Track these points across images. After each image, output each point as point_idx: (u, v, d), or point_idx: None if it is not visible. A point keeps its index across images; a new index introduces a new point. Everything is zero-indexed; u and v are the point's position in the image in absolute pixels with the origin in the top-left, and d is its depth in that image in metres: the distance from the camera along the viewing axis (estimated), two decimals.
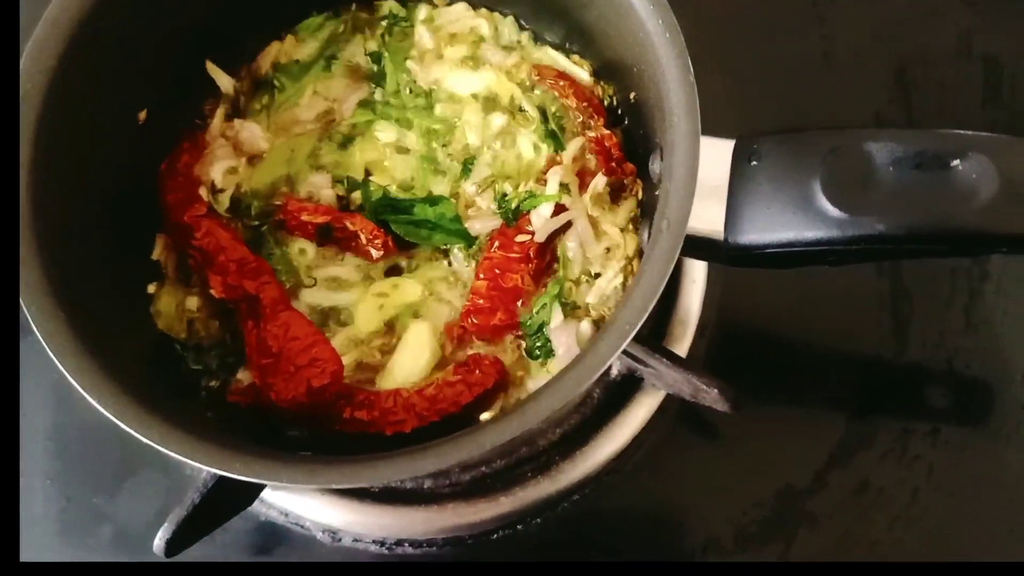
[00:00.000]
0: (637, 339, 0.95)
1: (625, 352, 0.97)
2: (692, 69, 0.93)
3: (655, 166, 1.02)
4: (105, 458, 1.28)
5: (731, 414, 1.06)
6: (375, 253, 1.11)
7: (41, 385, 1.30)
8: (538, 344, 1.09)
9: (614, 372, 1.26)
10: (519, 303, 1.10)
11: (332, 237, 1.12)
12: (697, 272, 1.30)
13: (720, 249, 0.95)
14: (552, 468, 1.23)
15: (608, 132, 1.14)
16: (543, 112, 1.17)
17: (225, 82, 1.19)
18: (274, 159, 1.17)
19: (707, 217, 0.94)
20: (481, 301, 1.09)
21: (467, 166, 1.16)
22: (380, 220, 1.12)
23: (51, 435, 1.29)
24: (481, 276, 1.10)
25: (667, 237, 0.89)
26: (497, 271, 1.10)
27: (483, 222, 1.14)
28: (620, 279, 1.11)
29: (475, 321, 1.09)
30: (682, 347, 1.27)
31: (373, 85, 1.20)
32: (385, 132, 1.17)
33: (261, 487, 1.08)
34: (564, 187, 1.12)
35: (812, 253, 0.94)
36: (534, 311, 1.09)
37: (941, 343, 1.30)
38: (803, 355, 1.32)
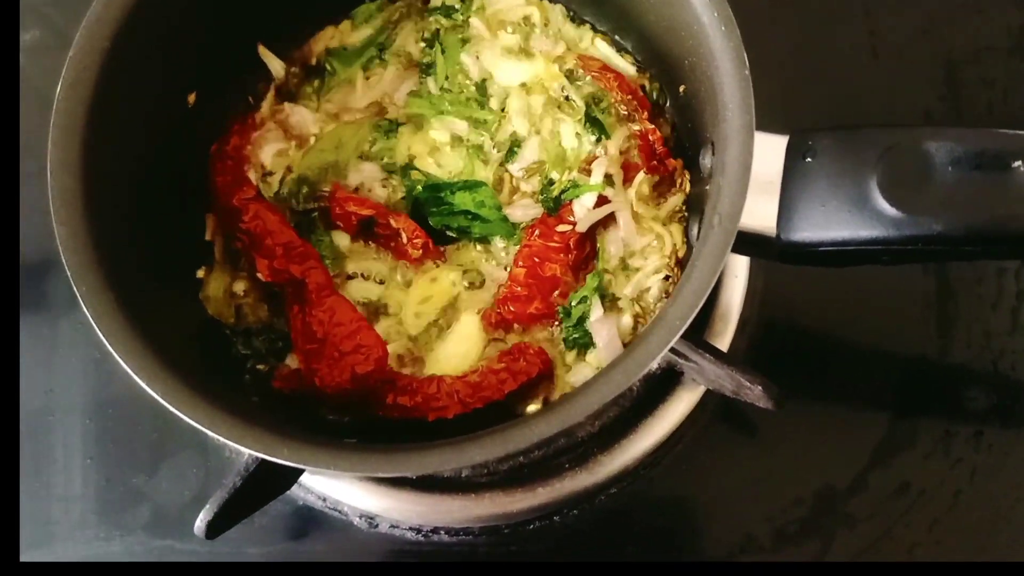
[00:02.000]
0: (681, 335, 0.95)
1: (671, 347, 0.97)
2: (747, 63, 0.92)
3: (706, 160, 1.01)
4: (144, 439, 1.28)
5: (772, 411, 1.04)
6: (414, 253, 1.11)
7: (82, 364, 1.31)
8: (576, 336, 1.09)
9: (654, 366, 1.24)
10: (556, 293, 1.09)
11: (373, 232, 1.12)
12: (739, 267, 1.28)
13: (772, 246, 0.94)
14: (590, 460, 1.22)
15: (652, 126, 1.14)
16: (588, 103, 1.16)
17: (276, 66, 1.19)
18: (324, 145, 1.17)
19: (759, 213, 0.93)
20: (519, 289, 1.09)
21: (512, 149, 1.16)
22: (419, 216, 1.13)
23: (91, 414, 1.30)
24: (520, 264, 1.10)
25: (718, 233, 0.88)
26: (536, 260, 1.09)
27: (524, 210, 1.13)
28: (661, 274, 1.10)
29: (512, 309, 1.09)
30: (723, 342, 1.26)
31: (423, 75, 1.20)
32: (440, 132, 1.17)
33: (301, 472, 1.08)
34: (608, 179, 1.12)
35: (867, 252, 0.93)
36: (573, 303, 1.09)
37: (986, 345, 1.28)
38: (845, 353, 1.31)
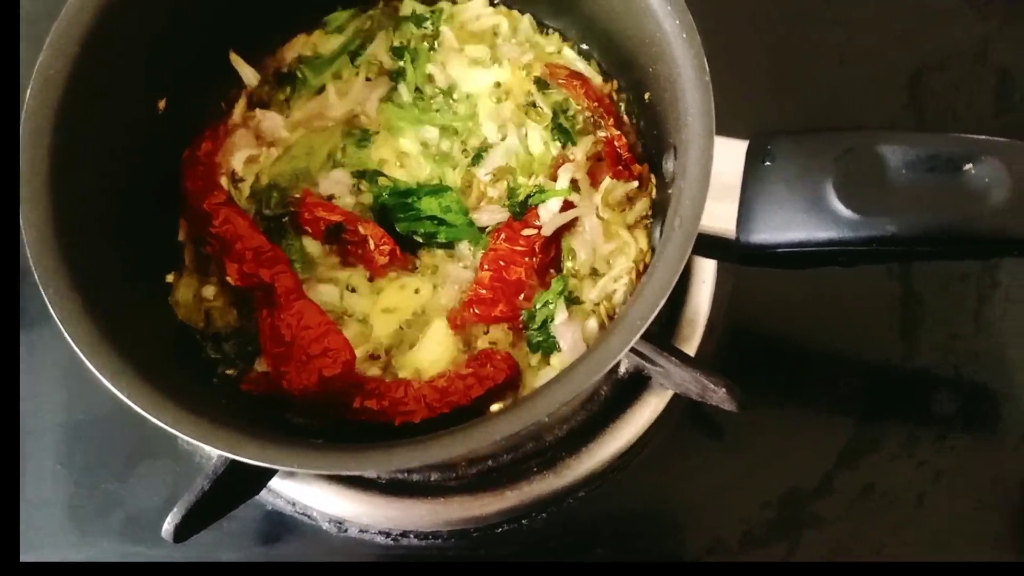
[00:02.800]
0: (646, 337, 0.96)
1: (634, 349, 0.99)
2: (708, 70, 0.93)
3: (668, 165, 1.03)
4: (115, 445, 1.28)
5: (738, 414, 1.06)
6: (381, 260, 1.11)
7: (54, 371, 1.32)
8: (540, 339, 1.10)
9: (622, 370, 1.27)
10: (521, 296, 1.11)
11: (340, 239, 1.13)
12: (707, 272, 1.30)
13: (732, 248, 0.96)
14: (558, 464, 1.23)
15: (618, 133, 1.15)
16: (555, 111, 1.18)
17: (248, 73, 1.20)
18: (295, 152, 1.18)
19: (719, 216, 0.95)
20: (484, 292, 1.10)
21: (479, 154, 1.17)
22: (387, 221, 1.14)
23: (62, 421, 1.30)
24: (485, 267, 1.11)
25: (679, 235, 0.89)
26: (501, 263, 1.11)
27: (491, 214, 1.15)
28: (627, 277, 1.12)
29: (476, 312, 1.10)
30: (691, 347, 1.28)
31: (393, 82, 1.21)
32: (410, 140, 1.19)
33: (270, 475, 1.12)
34: (574, 184, 1.13)
35: (824, 253, 0.94)
36: (537, 306, 1.10)
37: (951, 348, 1.30)
38: (812, 357, 1.32)
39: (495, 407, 1.05)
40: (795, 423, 1.29)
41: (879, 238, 0.91)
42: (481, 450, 0.87)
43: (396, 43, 1.23)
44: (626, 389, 1.26)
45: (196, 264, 1.14)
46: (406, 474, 1.23)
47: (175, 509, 0.99)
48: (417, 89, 1.20)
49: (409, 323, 1.12)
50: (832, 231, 0.92)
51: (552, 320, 1.09)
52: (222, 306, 1.12)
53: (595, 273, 1.13)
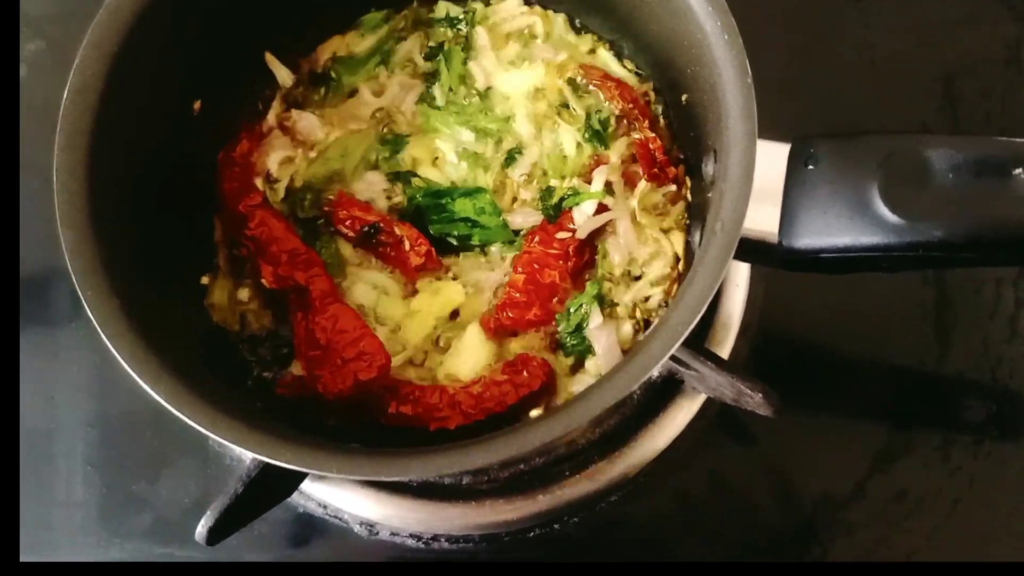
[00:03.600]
0: (683, 341, 0.95)
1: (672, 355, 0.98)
2: (750, 71, 0.92)
3: (708, 168, 1.02)
4: (145, 446, 1.28)
5: (771, 419, 1.04)
6: (416, 261, 1.11)
7: (84, 372, 1.31)
8: (574, 343, 1.10)
9: (656, 372, 1.25)
10: (555, 299, 1.10)
11: (375, 241, 1.13)
12: (740, 276, 1.29)
13: (774, 253, 0.95)
14: (590, 467, 1.22)
15: (652, 135, 1.15)
16: (588, 113, 1.17)
17: (284, 74, 1.20)
18: (330, 153, 1.17)
19: (762, 220, 0.93)
20: (517, 295, 1.10)
21: (512, 155, 1.16)
22: (421, 223, 1.13)
23: (92, 421, 1.30)
24: (519, 270, 1.11)
25: (721, 239, 0.89)
26: (535, 266, 1.10)
27: (524, 216, 1.14)
28: (663, 285, 1.12)
29: (510, 315, 1.09)
30: (724, 350, 1.27)
31: (428, 84, 1.21)
32: (445, 143, 1.18)
33: (302, 478, 1.09)
34: (608, 187, 1.13)
35: (868, 259, 0.93)
36: (571, 309, 1.10)
37: (985, 353, 1.29)
38: (845, 361, 1.31)
39: (534, 413, 1.05)
40: (828, 428, 1.28)
41: (925, 243, 0.89)
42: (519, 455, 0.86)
43: (430, 44, 1.22)
44: (659, 393, 1.25)
45: (230, 266, 1.14)
46: (438, 477, 1.22)
47: (208, 512, 0.98)
48: (451, 90, 1.19)
49: (443, 328, 1.11)
50: (877, 236, 0.90)
51: (586, 324, 1.09)
52: (257, 308, 1.12)
53: (629, 276, 1.13)
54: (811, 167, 0.93)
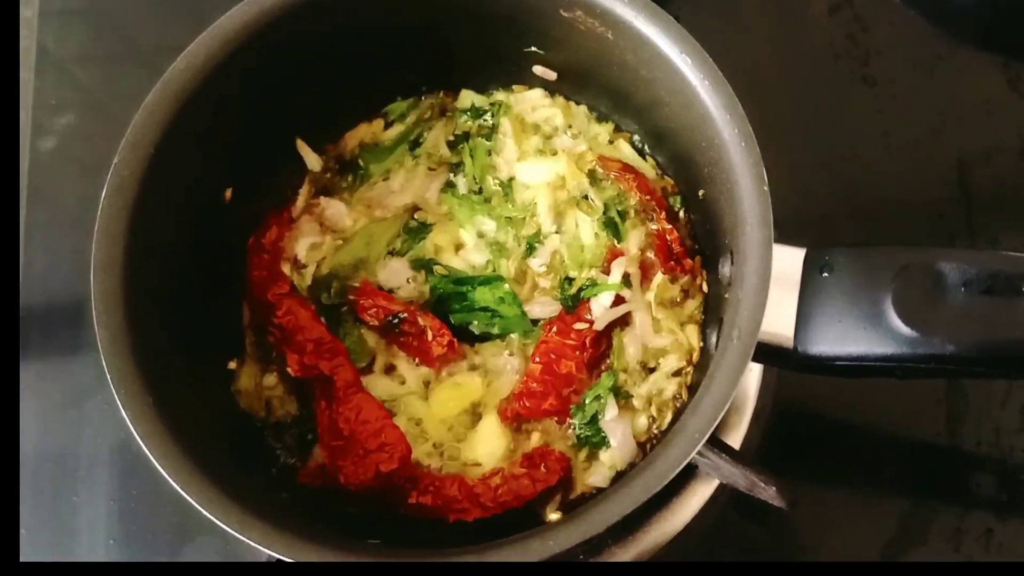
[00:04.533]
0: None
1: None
2: (767, 180, 0.95)
3: (725, 270, 1.04)
4: (167, 521, 1.30)
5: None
6: (438, 351, 1.12)
7: (107, 444, 1.34)
8: (589, 434, 1.11)
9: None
10: (570, 390, 1.12)
11: (399, 330, 1.14)
12: (752, 365, 1.29)
13: (789, 357, 0.96)
14: (604, 552, 1.23)
15: (669, 227, 1.17)
16: (607, 205, 1.20)
17: (312, 160, 1.23)
18: (355, 241, 1.20)
19: (777, 325, 0.95)
20: (534, 385, 1.11)
21: (532, 244, 1.19)
22: (442, 311, 1.16)
23: (115, 496, 1.32)
24: (536, 360, 1.12)
25: (737, 347, 0.91)
26: (552, 356, 1.12)
27: (543, 306, 1.16)
28: (678, 378, 1.14)
29: (527, 404, 1.11)
30: (737, 434, 1.28)
31: (453, 174, 1.23)
32: (468, 232, 1.20)
33: None
34: (626, 278, 1.15)
35: (881, 367, 0.95)
36: (587, 400, 1.11)
37: (996, 442, 1.30)
38: (857, 448, 1.32)
39: (552, 511, 1.06)
40: (840, 514, 1.29)
41: (937, 356, 0.91)
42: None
43: (455, 134, 1.25)
44: (673, 479, 1.25)
45: (258, 352, 1.16)
46: None
47: None
48: (475, 179, 1.22)
49: (461, 417, 1.13)
50: (890, 347, 0.92)
51: (602, 415, 1.11)
52: (282, 395, 1.14)
53: (644, 368, 1.14)
54: (826, 275, 0.95)
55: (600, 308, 1.14)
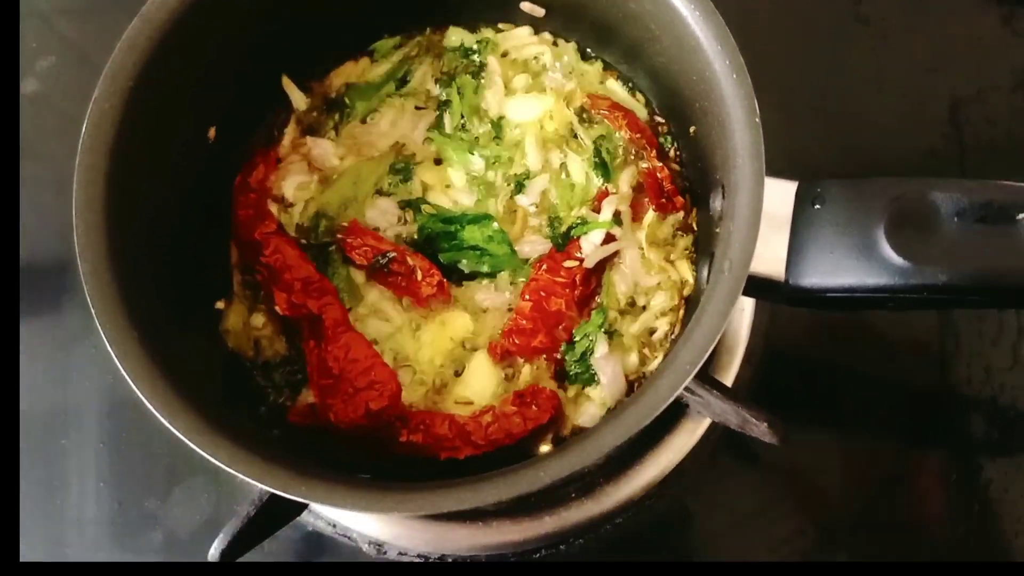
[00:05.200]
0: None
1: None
2: (759, 112, 0.94)
3: (716, 204, 1.03)
4: (157, 463, 1.30)
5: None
6: (427, 291, 1.12)
7: (96, 388, 1.33)
8: (579, 371, 1.11)
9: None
10: (560, 327, 1.11)
11: (387, 270, 1.13)
12: (745, 301, 1.31)
13: (780, 290, 0.96)
14: (597, 490, 1.24)
15: (660, 164, 1.16)
16: (596, 144, 1.18)
17: (298, 98, 1.21)
18: (343, 181, 1.18)
19: (768, 258, 0.95)
20: (524, 323, 1.11)
21: (520, 183, 1.17)
22: (431, 251, 1.15)
23: (105, 438, 1.31)
24: (526, 297, 1.12)
25: (729, 280, 0.90)
26: (542, 294, 1.11)
27: (533, 245, 1.16)
28: (669, 313, 1.13)
29: (516, 341, 1.11)
30: (729, 374, 1.28)
31: (439, 111, 1.22)
32: (457, 172, 1.19)
33: None
34: (616, 216, 1.14)
35: (873, 299, 0.94)
36: (577, 338, 1.11)
37: (987, 380, 1.30)
38: (849, 387, 1.32)
39: (543, 448, 1.06)
40: (832, 453, 1.29)
41: (930, 286, 0.90)
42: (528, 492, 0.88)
43: (443, 71, 1.23)
44: (664, 417, 1.20)
45: (245, 291, 1.15)
46: None
47: (222, 534, 1.00)
48: (462, 118, 1.20)
49: (452, 356, 1.12)
50: (883, 278, 0.92)
51: (592, 353, 1.10)
52: (271, 335, 1.13)
53: (634, 305, 1.14)
54: (818, 207, 0.94)
55: (590, 246, 1.13)
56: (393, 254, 1.13)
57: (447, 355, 1.12)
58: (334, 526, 1.27)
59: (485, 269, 1.15)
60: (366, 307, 1.14)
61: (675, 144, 1.19)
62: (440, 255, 1.15)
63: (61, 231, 1.22)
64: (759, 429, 1.04)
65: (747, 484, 1.29)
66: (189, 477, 1.29)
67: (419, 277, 1.12)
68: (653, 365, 1.12)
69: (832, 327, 1.31)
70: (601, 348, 1.10)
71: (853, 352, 1.33)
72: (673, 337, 1.13)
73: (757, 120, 0.94)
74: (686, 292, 1.14)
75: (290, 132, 1.21)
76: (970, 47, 1.45)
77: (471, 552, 1.24)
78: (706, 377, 1.07)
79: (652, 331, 1.13)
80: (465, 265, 1.15)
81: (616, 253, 1.14)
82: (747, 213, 0.91)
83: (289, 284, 1.10)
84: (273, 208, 1.16)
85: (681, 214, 1.16)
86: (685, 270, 1.14)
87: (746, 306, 1.31)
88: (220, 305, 1.13)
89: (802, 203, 0.95)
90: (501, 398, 1.09)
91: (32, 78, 1.43)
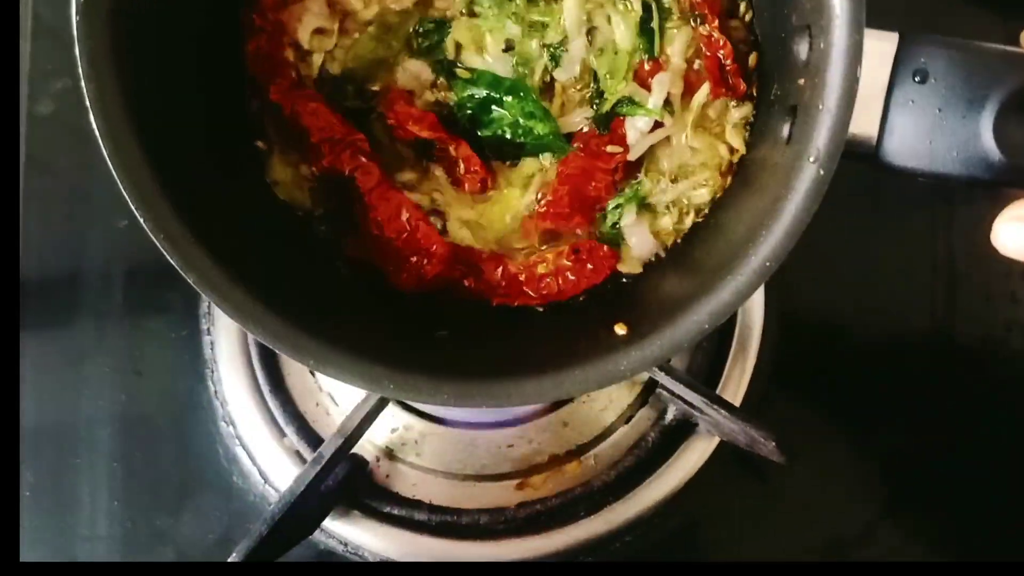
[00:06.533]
0: (695, 388, 1.11)
1: (683, 400, 1.15)
2: None
3: (801, 50, 0.91)
4: (168, 480, 1.29)
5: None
6: (470, 187, 1.05)
7: (106, 409, 1.30)
8: (611, 236, 1.06)
9: (669, 416, 1.27)
10: (597, 207, 1.06)
11: (429, 153, 1.06)
12: (754, 316, 1.30)
13: (870, 162, 0.88)
14: (605, 508, 1.25)
15: (722, 39, 1.03)
16: (647, 7, 1.05)
17: None
18: (370, 37, 1.06)
19: (859, 127, 0.85)
20: (559, 208, 1.04)
21: (555, 54, 1.06)
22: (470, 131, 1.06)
23: (116, 456, 1.29)
24: (564, 178, 1.04)
25: (814, 172, 0.81)
26: (582, 178, 1.04)
27: (575, 119, 1.06)
28: (711, 183, 1.05)
29: (551, 224, 1.05)
30: (738, 390, 1.29)
31: None
32: (492, 35, 1.06)
33: (324, 516, 1.19)
34: (668, 101, 1.04)
35: (968, 182, 0.87)
36: (609, 207, 1.05)
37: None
38: (859, 405, 1.32)
39: (619, 329, 0.94)
40: (840, 469, 1.32)
41: None
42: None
43: None
44: (673, 434, 1.27)
45: (280, 136, 1.04)
46: (456, 517, 1.24)
47: (234, 554, 1.02)
48: None
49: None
50: (984, 173, 0.84)
51: (621, 222, 1.05)
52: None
53: (676, 181, 1.06)
54: (919, 82, 0.86)
55: (635, 133, 1.04)
56: (435, 142, 1.05)
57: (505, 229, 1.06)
58: (345, 545, 1.25)
59: (529, 149, 1.06)
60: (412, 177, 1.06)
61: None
62: (480, 131, 1.06)
63: (71, 245, 1.34)
64: (767, 448, 1.07)
65: (755, 501, 1.30)
66: (200, 495, 1.28)
67: (462, 170, 1.05)
68: (688, 222, 1.06)
69: (843, 345, 1.34)
70: (629, 216, 1.05)
71: (863, 372, 1.33)
72: (715, 200, 1.06)
73: None
74: (735, 159, 1.05)
75: None
76: None
77: None
78: (715, 397, 1.14)
79: (687, 199, 1.06)
80: (509, 145, 1.06)
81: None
82: (839, 95, 0.80)
83: (316, 148, 1.01)
84: (289, 54, 1.04)
85: (744, 107, 1.05)
86: (737, 141, 1.04)
87: (755, 323, 1.30)
88: (262, 145, 1.03)
89: (902, 73, 0.86)
90: (556, 252, 1.04)
91: (48, 100, 1.38)
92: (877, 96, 0.86)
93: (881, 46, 0.86)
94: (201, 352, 1.29)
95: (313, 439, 1.25)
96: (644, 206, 1.05)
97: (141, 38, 0.85)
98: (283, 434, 1.26)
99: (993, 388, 1.32)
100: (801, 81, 0.89)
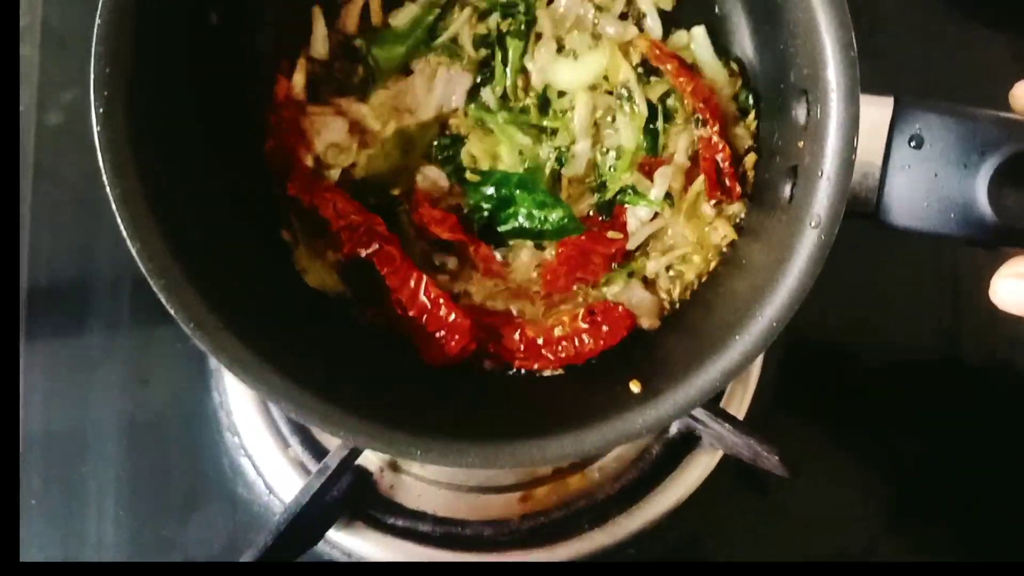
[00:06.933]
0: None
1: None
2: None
3: (798, 114, 0.94)
4: (174, 487, 1.28)
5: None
6: (484, 275, 1.09)
7: (113, 419, 1.30)
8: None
9: (673, 430, 1.27)
10: (592, 281, 1.09)
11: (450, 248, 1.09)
12: None
13: (869, 220, 0.91)
14: (609, 521, 1.24)
15: (722, 143, 1.06)
16: (652, 107, 1.08)
17: (320, 36, 1.10)
18: (390, 147, 1.09)
19: (858, 188, 0.89)
20: (557, 279, 1.08)
21: (561, 156, 1.09)
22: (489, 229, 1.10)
23: (125, 464, 1.29)
24: (561, 255, 1.08)
25: (816, 238, 0.85)
26: (579, 259, 1.08)
27: (580, 207, 1.10)
28: (697, 265, 1.08)
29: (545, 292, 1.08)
30: (742, 404, 1.29)
31: (479, 75, 1.10)
32: (506, 148, 1.09)
33: (329, 525, 1.19)
34: (668, 194, 1.08)
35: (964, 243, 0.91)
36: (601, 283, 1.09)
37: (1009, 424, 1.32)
38: (862, 420, 1.33)
39: (634, 387, 0.96)
40: (844, 484, 1.31)
41: None
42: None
43: (483, 30, 1.10)
44: (676, 448, 1.28)
45: (305, 227, 1.08)
46: (460, 528, 1.24)
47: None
48: (506, 90, 1.10)
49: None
50: (979, 233, 0.87)
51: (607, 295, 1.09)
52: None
53: (667, 257, 1.09)
54: (916, 147, 0.88)
55: (636, 222, 1.08)
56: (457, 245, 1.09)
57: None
58: (349, 556, 1.25)
59: (549, 236, 1.09)
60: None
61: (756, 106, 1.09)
62: (499, 227, 1.09)
63: (80, 255, 1.33)
64: (770, 462, 1.06)
65: (758, 515, 1.30)
66: (205, 504, 1.27)
67: (480, 272, 1.09)
68: (681, 292, 1.09)
69: (846, 363, 1.35)
70: (617, 286, 1.08)
71: (866, 388, 1.33)
72: (703, 280, 1.09)
73: (853, 54, 0.85)
74: (724, 244, 1.07)
75: (301, 67, 1.08)
76: None
77: None
78: (719, 411, 1.13)
79: (678, 274, 1.09)
80: (527, 235, 1.10)
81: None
82: (838, 164, 0.85)
83: (335, 236, 1.05)
84: (308, 160, 1.07)
85: (736, 204, 1.07)
86: (727, 230, 1.07)
87: None
88: (286, 236, 1.07)
89: (898, 139, 0.89)
90: (571, 314, 1.06)
91: (57, 110, 1.39)
92: (875, 158, 0.89)
93: (878, 113, 0.90)
94: (207, 362, 1.29)
95: (318, 450, 1.25)
96: (641, 279, 1.09)
97: (163, 138, 0.89)
98: (288, 445, 1.26)
99: (998, 405, 1.32)
100: (800, 144, 0.93)
